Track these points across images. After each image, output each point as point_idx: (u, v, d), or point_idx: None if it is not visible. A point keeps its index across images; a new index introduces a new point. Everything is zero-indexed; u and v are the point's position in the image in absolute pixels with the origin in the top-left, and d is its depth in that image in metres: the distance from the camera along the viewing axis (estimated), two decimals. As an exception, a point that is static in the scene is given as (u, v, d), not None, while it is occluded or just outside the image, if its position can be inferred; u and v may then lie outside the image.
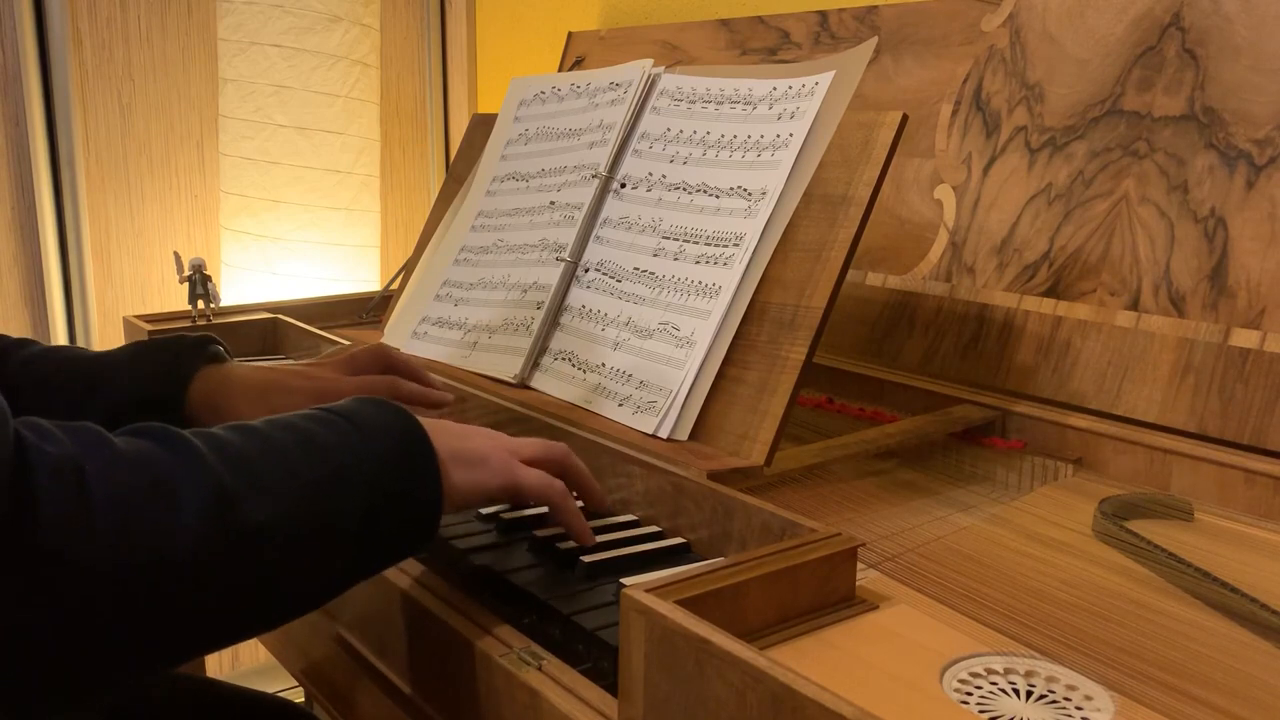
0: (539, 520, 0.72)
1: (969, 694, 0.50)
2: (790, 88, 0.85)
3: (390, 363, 0.83)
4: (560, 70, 1.52)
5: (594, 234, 0.94)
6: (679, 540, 0.69)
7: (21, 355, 0.79)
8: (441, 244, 1.14)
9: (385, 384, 0.81)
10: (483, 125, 1.20)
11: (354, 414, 0.57)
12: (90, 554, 0.45)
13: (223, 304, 1.24)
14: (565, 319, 0.93)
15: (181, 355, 0.77)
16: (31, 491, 0.44)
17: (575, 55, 1.49)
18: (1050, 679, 0.52)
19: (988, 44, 1.02)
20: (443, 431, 0.61)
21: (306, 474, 0.53)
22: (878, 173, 0.77)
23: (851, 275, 1.03)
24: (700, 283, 0.83)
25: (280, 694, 0.99)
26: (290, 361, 0.82)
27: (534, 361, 0.93)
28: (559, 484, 0.65)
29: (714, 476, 0.70)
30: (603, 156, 0.96)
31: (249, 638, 0.54)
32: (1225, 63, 0.85)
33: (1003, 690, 0.51)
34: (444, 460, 0.59)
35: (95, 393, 0.76)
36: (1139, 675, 0.53)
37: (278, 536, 0.51)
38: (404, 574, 0.67)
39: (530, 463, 0.65)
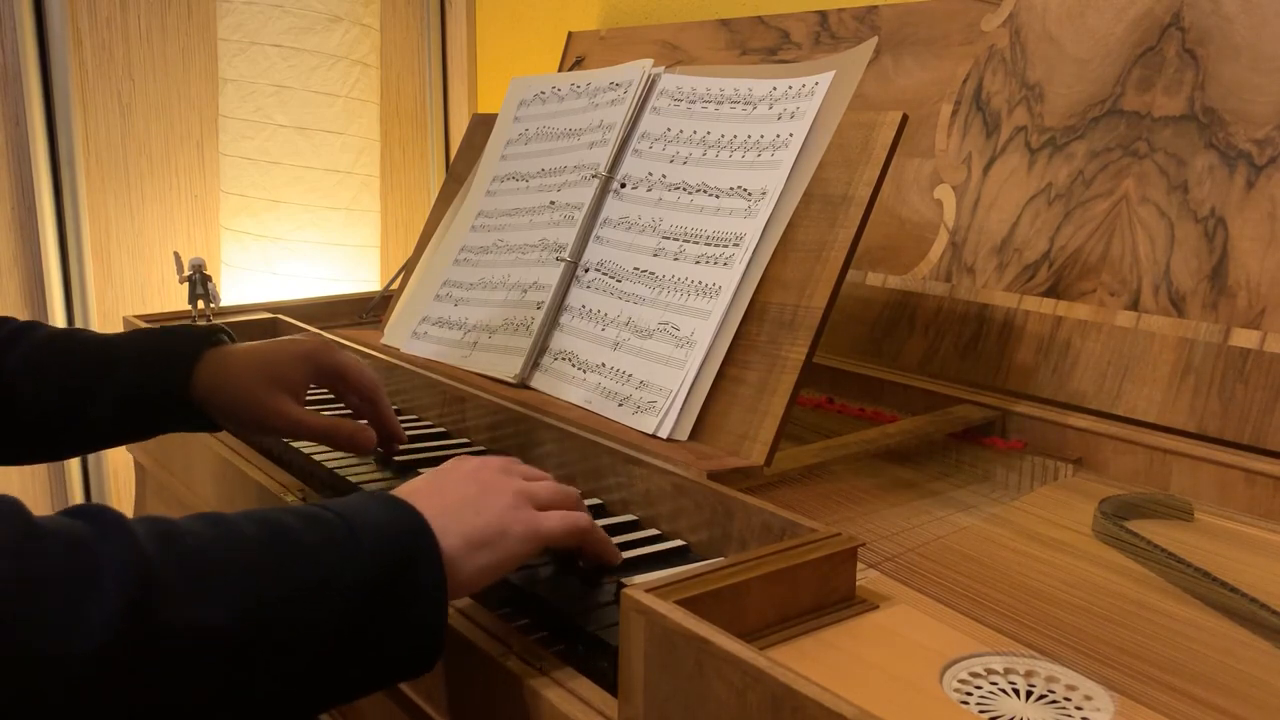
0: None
1: (969, 694, 0.50)
2: (790, 88, 0.85)
3: (376, 393, 0.83)
4: (560, 70, 1.52)
5: (594, 234, 0.94)
6: (679, 540, 0.69)
7: (29, 340, 0.79)
8: (441, 244, 1.14)
9: (370, 374, 0.82)
10: (483, 125, 1.20)
11: (350, 512, 0.51)
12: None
13: (223, 304, 1.24)
14: (565, 319, 0.93)
15: (187, 342, 0.78)
16: None
17: (575, 55, 1.49)
18: (1050, 679, 0.52)
19: (988, 44, 1.02)
20: (452, 511, 0.54)
21: (271, 577, 0.47)
22: (878, 173, 0.77)
23: (851, 275, 1.03)
24: (700, 283, 0.83)
25: (280, 694, 0.99)
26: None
27: (534, 361, 0.93)
28: (583, 517, 0.60)
29: (714, 476, 0.70)
30: (603, 156, 0.96)
31: None
32: (1225, 63, 0.85)
33: (1003, 690, 0.51)
34: (454, 556, 0.52)
35: (104, 381, 0.77)
36: (1139, 675, 0.53)
37: (217, 643, 0.45)
38: (404, 574, 0.67)
39: (545, 506, 0.60)
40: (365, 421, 0.81)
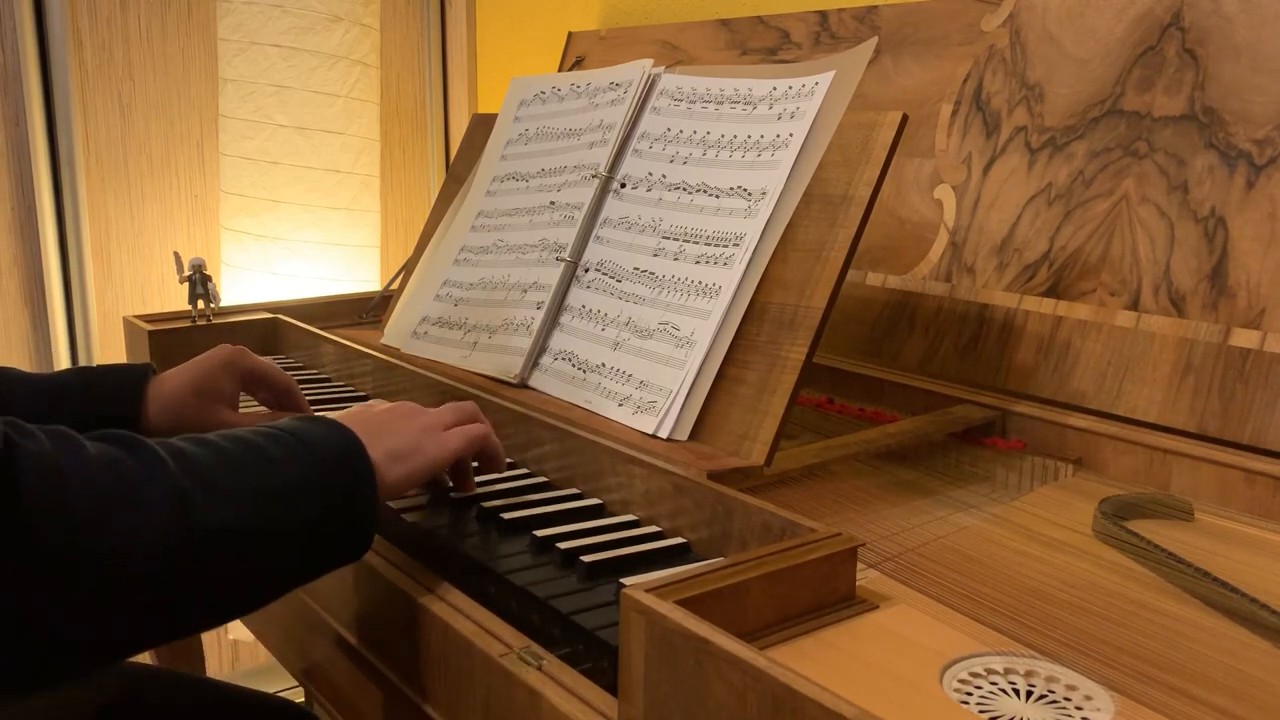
0: (539, 520, 0.72)
1: (969, 694, 0.50)
2: (790, 88, 0.85)
3: (291, 389, 0.91)
4: (560, 70, 1.52)
5: (594, 234, 0.94)
6: (679, 540, 0.69)
7: None
8: (441, 244, 1.14)
9: (282, 374, 0.90)
10: (483, 125, 1.20)
11: (298, 430, 0.61)
12: (67, 543, 0.48)
13: (223, 304, 1.24)
14: (565, 319, 0.93)
15: (128, 375, 0.85)
16: (16, 482, 0.47)
17: (575, 55, 1.49)
18: (1050, 679, 0.52)
19: (988, 44, 1.02)
20: (375, 433, 0.65)
21: (258, 483, 0.57)
22: (878, 173, 0.77)
23: (851, 275, 1.03)
24: (700, 283, 0.83)
25: (280, 694, 0.99)
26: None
27: (534, 361, 0.93)
28: (479, 428, 0.72)
29: (714, 476, 0.70)
30: (603, 156, 0.96)
31: (201, 630, 0.59)
32: (1225, 63, 0.85)
33: (1003, 690, 0.51)
34: (379, 464, 0.63)
35: (58, 413, 0.80)
36: (1139, 675, 0.53)
37: (233, 538, 0.54)
38: (404, 574, 0.67)
39: (450, 428, 0.71)
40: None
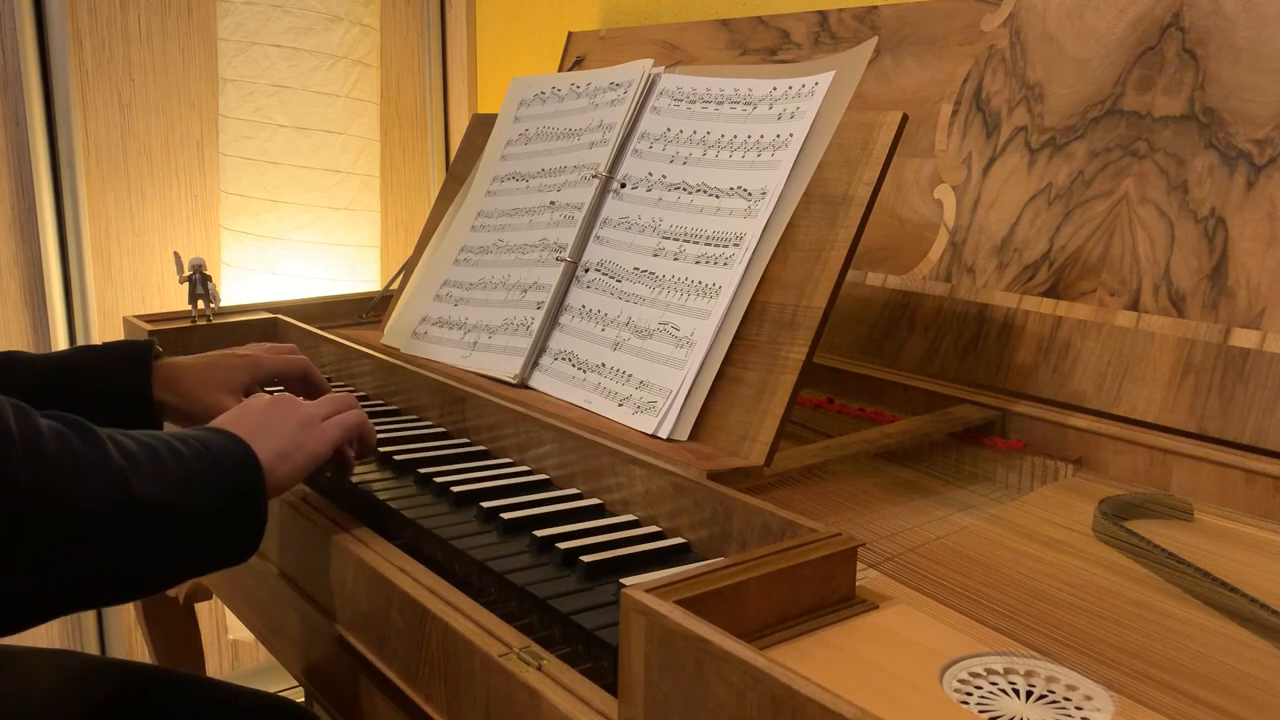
0: (539, 520, 0.72)
1: (969, 694, 0.50)
2: (790, 88, 0.85)
3: (307, 370, 0.95)
4: (560, 70, 1.52)
5: (594, 234, 0.94)
6: (679, 540, 0.69)
7: None
8: (441, 244, 1.14)
9: (299, 365, 0.94)
10: (483, 125, 1.20)
11: (201, 437, 0.69)
12: (35, 489, 0.55)
13: (223, 304, 1.24)
14: (565, 319, 0.93)
15: (137, 352, 0.88)
16: None
17: (575, 55, 1.49)
18: (1050, 679, 0.52)
19: (988, 44, 1.02)
20: (259, 434, 0.71)
21: (175, 471, 0.64)
22: (878, 173, 0.77)
23: (851, 275, 1.03)
24: (700, 283, 0.83)
25: (280, 694, 0.99)
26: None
27: (534, 361, 0.93)
28: (352, 418, 0.78)
29: (714, 476, 0.70)
30: (603, 156, 0.96)
31: (115, 602, 0.65)
32: (1225, 63, 0.85)
33: (1003, 690, 0.51)
34: (268, 465, 0.70)
35: (70, 391, 0.83)
36: (1139, 675, 0.53)
37: (155, 511, 0.62)
38: (404, 574, 0.67)
39: (328, 418, 0.77)
40: None
